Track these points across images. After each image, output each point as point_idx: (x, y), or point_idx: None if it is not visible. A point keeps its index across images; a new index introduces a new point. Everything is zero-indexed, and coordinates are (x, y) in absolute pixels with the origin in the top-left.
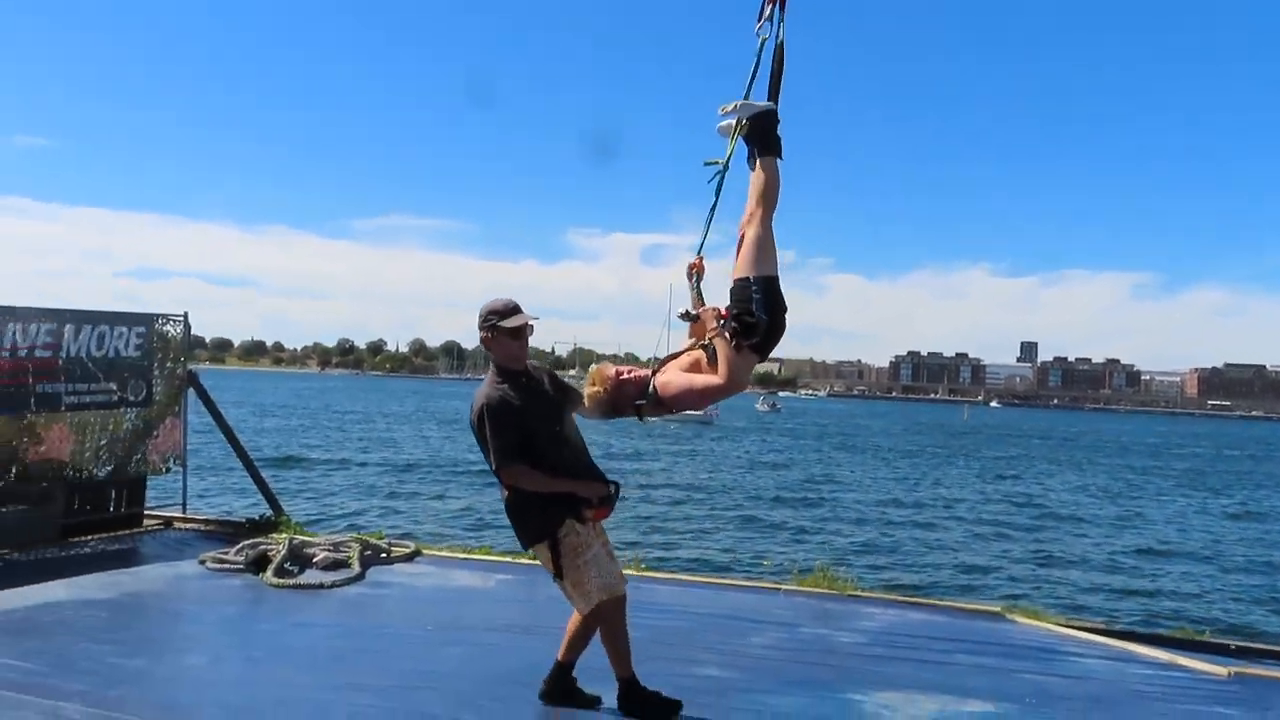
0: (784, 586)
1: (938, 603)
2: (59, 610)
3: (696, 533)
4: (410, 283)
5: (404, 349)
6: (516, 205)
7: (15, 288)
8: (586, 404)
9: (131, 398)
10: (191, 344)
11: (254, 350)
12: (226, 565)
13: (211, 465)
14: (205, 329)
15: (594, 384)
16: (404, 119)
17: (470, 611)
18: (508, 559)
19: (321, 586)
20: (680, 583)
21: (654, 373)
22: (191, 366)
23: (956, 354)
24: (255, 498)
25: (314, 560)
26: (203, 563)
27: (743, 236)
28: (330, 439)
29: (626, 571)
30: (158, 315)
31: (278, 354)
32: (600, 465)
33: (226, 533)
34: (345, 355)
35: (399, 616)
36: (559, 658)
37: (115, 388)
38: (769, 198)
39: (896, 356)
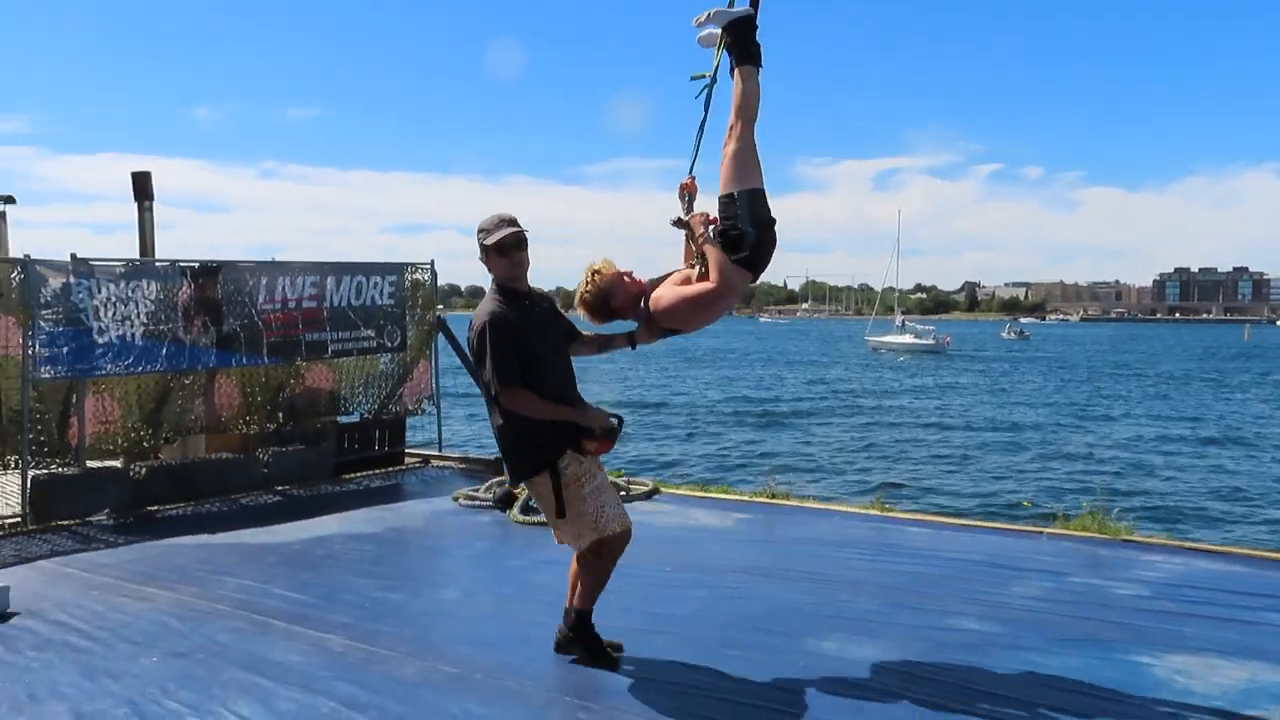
0: (1048, 530)
1: (1236, 550)
2: (330, 544)
3: (944, 472)
4: (643, 223)
5: None
6: None
7: (297, 245)
8: (577, 304)
9: (388, 343)
10: (447, 291)
11: None
12: (477, 502)
13: (468, 404)
14: (460, 277)
15: (587, 282)
16: (625, 56)
17: (709, 552)
18: (746, 498)
19: None
20: (930, 524)
21: (647, 294)
22: (448, 312)
23: (1234, 269)
24: None
25: None
26: (456, 499)
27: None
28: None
29: (869, 511)
30: (408, 265)
31: None
32: (829, 401)
33: (477, 469)
34: None
35: (638, 556)
36: (573, 605)
37: (373, 334)
38: (747, 109)
39: (1161, 275)
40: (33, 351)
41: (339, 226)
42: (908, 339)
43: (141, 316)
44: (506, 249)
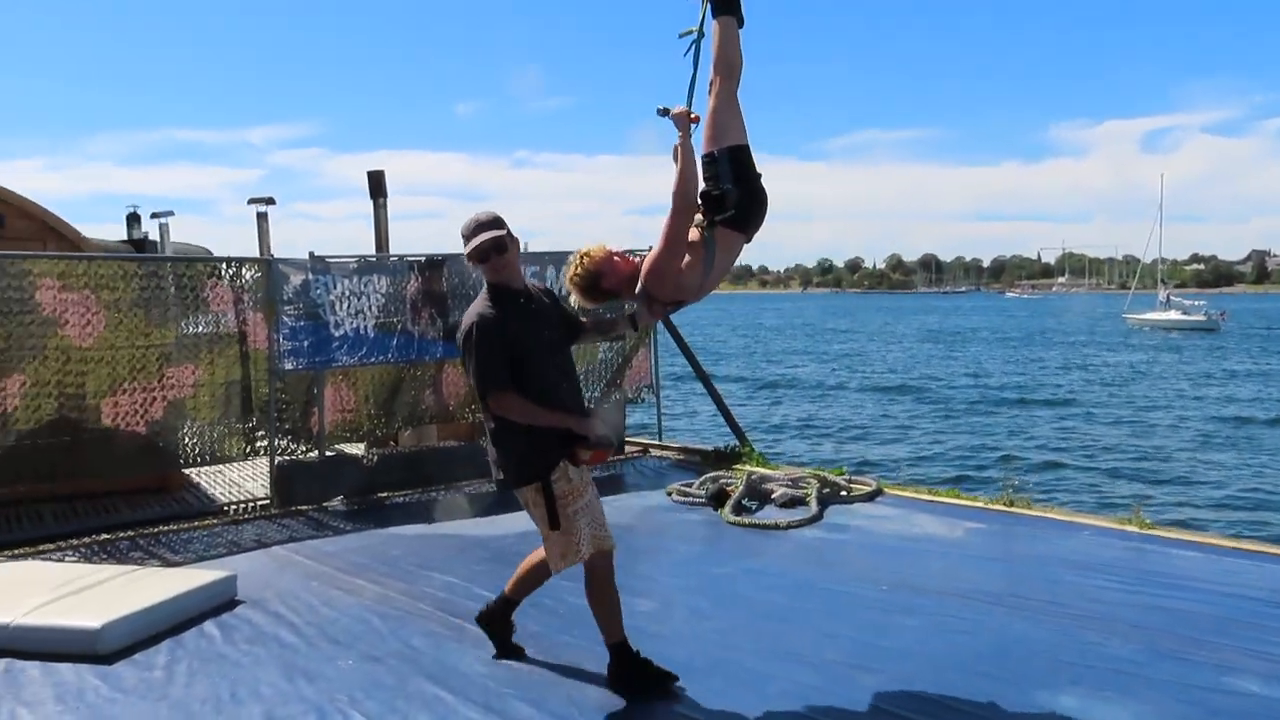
0: None
1: None
2: (537, 541)
3: (1219, 479)
4: (885, 198)
5: (880, 265)
6: (993, 106)
7: (548, 230)
8: (567, 287)
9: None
10: None
11: (742, 275)
12: (689, 498)
13: (686, 390)
14: None
15: (575, 265)
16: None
17: (931, 569)
18: (979, 504)
19: (776, 527)
20: (1204, 548)
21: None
22: None
23: None
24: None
25: (771, 496)
26: (669, 494)
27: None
28: (804, 361)
29: (1125, 528)
30: (631, 251)
31: (763, 276)
32: (1073, 388)
33: (694, 462)
34: (825, 275)
35: (852, 569)
36: (506, 591)
37: None
38: (725, 63)
39: None
40: (277, 345)
41: (586, 210)
42: (1173, 315)
43: (373, 310)
44: (486, 254)
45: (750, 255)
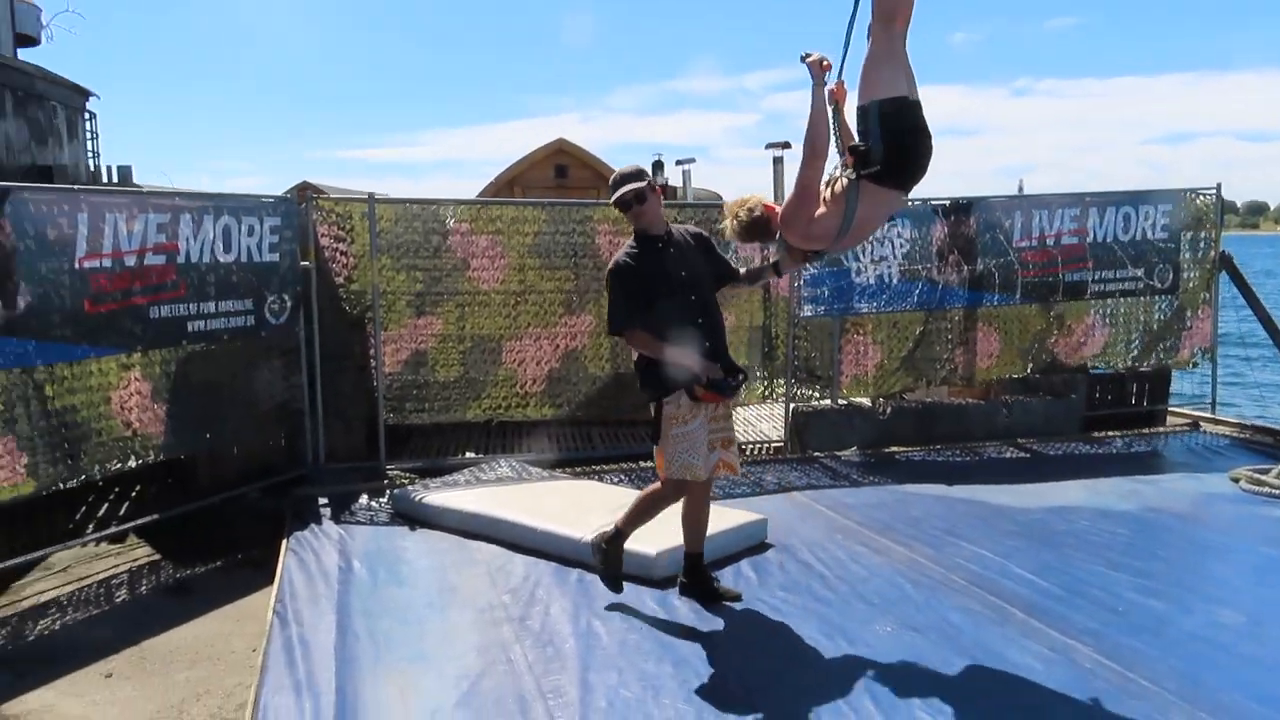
0: None
1: None
2: (1073, 518)
3: None
4: None
5: None
6: None
7: (1046, 165)
8: (727, 234)
9: (1157, 284)
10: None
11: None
12: (1266, 489)
13: (1245, 359)
14: (1234, 193)
15: (731, 214)
16: None
17: None
18: None
19: None
20: None
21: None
22: (1225, 233)
23: None
24: None
25: None
26: (1235, 480)
27: None
28: None
29: None
30: (1186, 190)
31: None
32: None
33: (1264, 444)
34: None
35: None
36: (619, 524)
37: (1141, 274)
38: (882, 5)
39: None
40: (798, 291)
41: (1090, 142)
42: None
43: (897, 257)
44: (628, 204)
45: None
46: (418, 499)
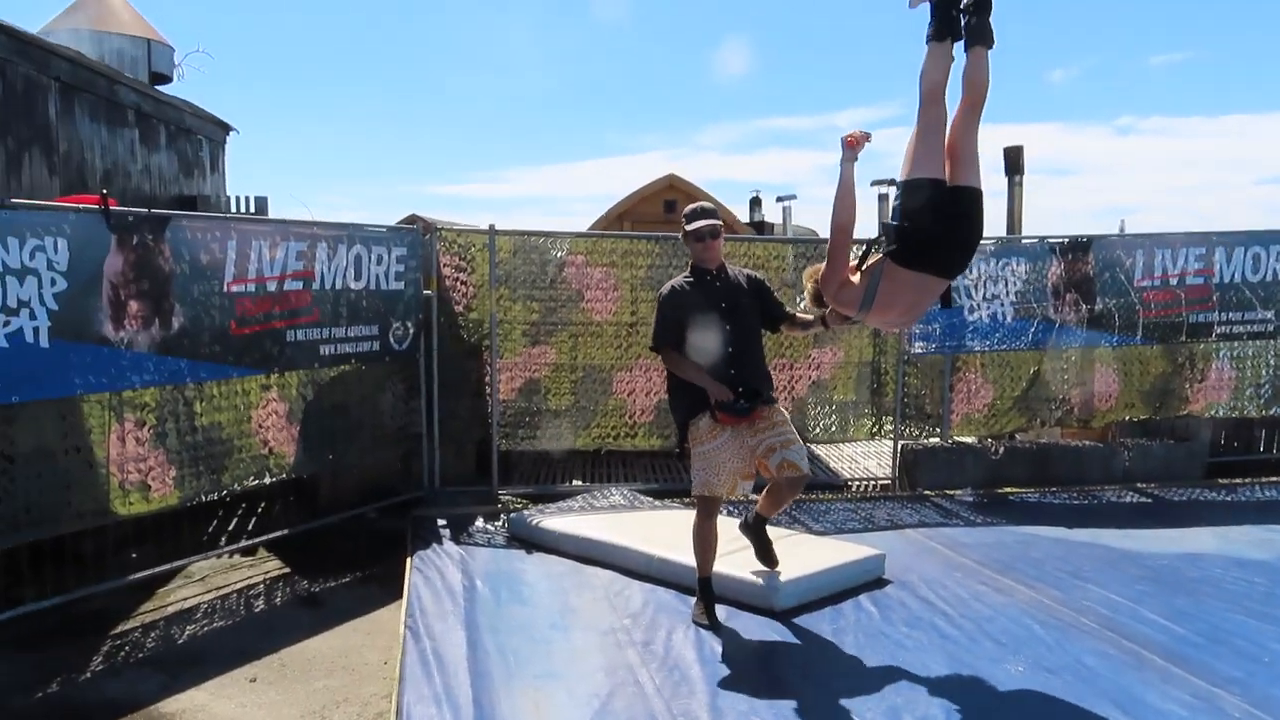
0: None
1: None
2: (1206, 565)
3: None
4: None
5: None
6: None
7: (1153, 207)
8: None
9: None
10: None
11: None
12: None
13: None
14: None
15: (807, 280)
16: None
17: None
18: None
19: None
20: None
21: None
22: None
23: None
24: None
25: None
26: None
27: None
28: None
29: None
30: None
31: None
32: None
33: None
34: None
35: None
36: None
37: (1272, 315)
38: (922, 83)
39: None
40: (908, 328)
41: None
42: None
43: (1010, 295)
44: (702, 237)
45: None
46: (534, 523)
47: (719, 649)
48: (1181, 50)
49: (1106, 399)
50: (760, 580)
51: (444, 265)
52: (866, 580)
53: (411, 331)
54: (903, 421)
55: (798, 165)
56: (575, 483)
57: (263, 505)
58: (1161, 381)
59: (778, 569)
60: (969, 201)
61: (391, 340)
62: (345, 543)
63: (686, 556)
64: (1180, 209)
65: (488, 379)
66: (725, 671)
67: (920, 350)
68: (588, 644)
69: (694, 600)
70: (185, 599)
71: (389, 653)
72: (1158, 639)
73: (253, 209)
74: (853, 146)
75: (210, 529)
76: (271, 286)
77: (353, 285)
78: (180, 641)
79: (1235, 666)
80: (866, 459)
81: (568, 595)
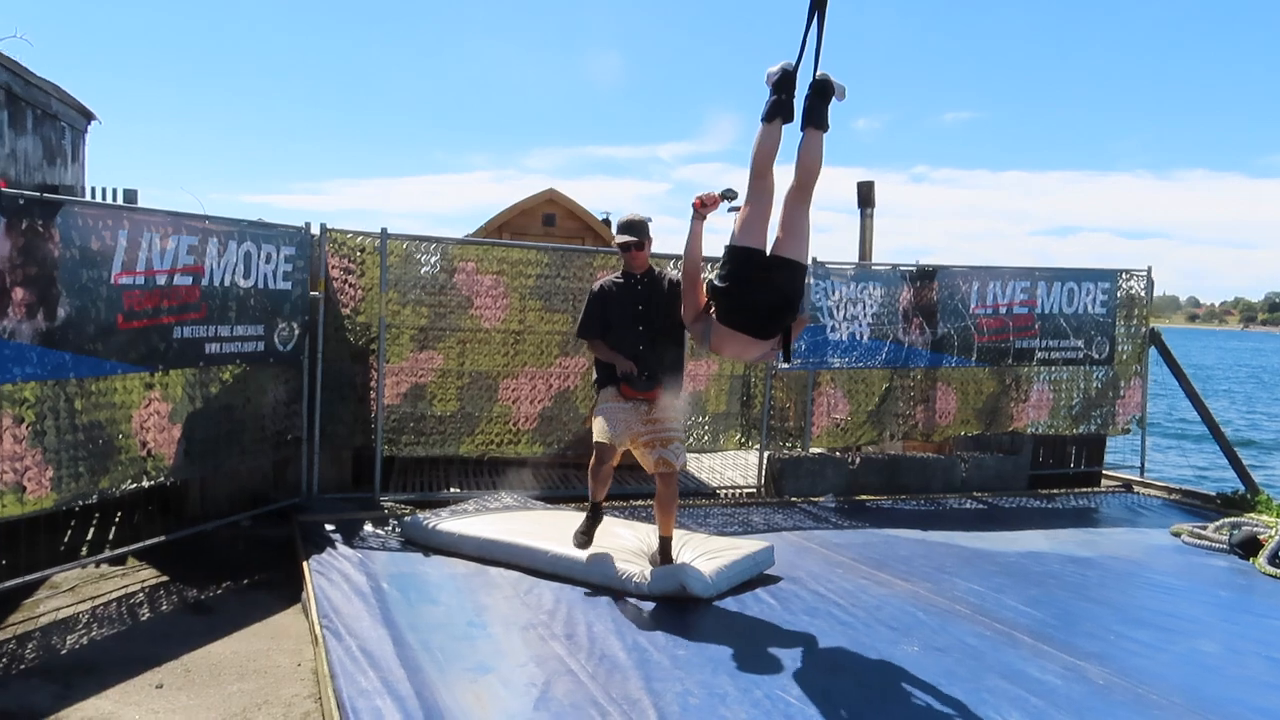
0: None
1: None
2: (1046, 562)
3: None
4: None
5: None
6: None
7: (942, 249)
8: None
9: (1095, 355)
10: (1164, 303)
11: (1166, 306)
12: (1206, 542)
13: (1166, 428)
14: (1180, 288)
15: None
16: None
17: None
18: None
19: None
20: None
21: None
22: (1164, 324)
23: None
24: (1214, 470)
25: None
26: (1177, 535)
27: None
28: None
29: None
30: (1121, 271)
31: (1192, 310)
32: None
33: (1192, 504)
34: (1274, 312)
35: None
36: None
37: (1081, 344)
38: (755, 163)
39: None
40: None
41: (985, 230)
42: None
43: (867, 316)
44: (627, 248)
45: (1176, 285)
46: (430, 526)
47: (642, 639)
48: (972, 109)
49: (946, 415)
50: (684, 573)
51: (333, 267)
52: (764, 569)
53: (297, 333)
54: (767, 433)
55: (621, 192)
56: (454, 490)
57: (119, 514)
58: (992, 400)
59: (692, 562)
60: (781, 272)
61: (276, 341)
62: (223, 550)
63: (589, 554)
64: (965, 254)
65: (373, 383)
66: (653, 657)
67: (786, 366)
68: (510, 639)
69: (600, 589)
70: (58, 609)
71: (300, 655)
72: (1023, 622)
73: (121, 200)
74: (700, 209)
75: (67, 538)
76: (161, 280)
77: (241, 283)
78: (65, 651)
79: (1091, 644)
80: (729, 469)
81: (477, 594)
